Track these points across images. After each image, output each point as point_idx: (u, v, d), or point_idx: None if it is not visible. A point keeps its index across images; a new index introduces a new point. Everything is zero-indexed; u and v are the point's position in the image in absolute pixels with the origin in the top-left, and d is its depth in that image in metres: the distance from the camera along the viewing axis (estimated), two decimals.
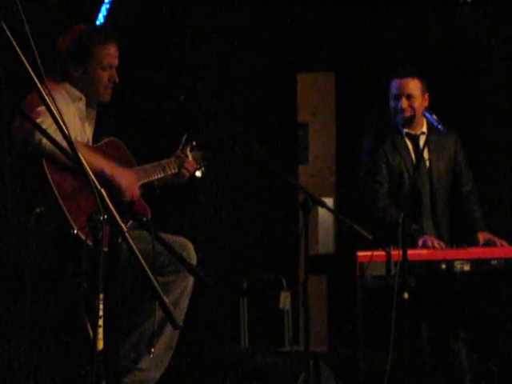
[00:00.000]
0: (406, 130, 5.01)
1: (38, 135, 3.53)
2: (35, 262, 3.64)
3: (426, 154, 5.01)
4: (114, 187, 3.80)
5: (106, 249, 2.70)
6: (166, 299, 2.48)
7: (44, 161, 3.63)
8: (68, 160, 2.87)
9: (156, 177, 4.23)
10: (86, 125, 4.06)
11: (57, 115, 2.54)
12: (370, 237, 4.19)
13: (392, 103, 4.99)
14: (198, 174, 4.49)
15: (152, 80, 5.87)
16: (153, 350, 3.84)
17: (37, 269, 3.64)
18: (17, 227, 3.75)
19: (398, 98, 4.96)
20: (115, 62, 4.06)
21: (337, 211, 5.49)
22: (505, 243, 4.82)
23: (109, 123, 4.42)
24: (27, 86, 2.53)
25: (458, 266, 4.58)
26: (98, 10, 5.37)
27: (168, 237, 3.82)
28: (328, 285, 6.78)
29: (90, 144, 4.05)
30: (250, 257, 6.57)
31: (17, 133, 3.68)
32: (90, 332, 2.68)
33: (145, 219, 2.85)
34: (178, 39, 6.18)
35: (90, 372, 2.62)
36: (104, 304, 2.70)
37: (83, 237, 3.48)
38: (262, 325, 6.44)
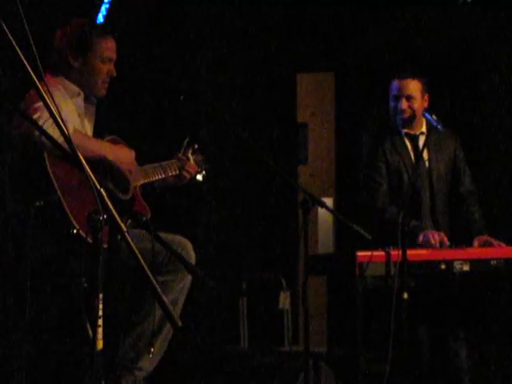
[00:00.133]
0: (405, 131, 5.01)
1: (37, 131, 3.54)
2: (34, 258, 3.64)
3: (425, 154, 5.01)
4: (116, 169, 3.84)
5: (105, 245, 2.70)
6: (165, 299, 2.48)
7: (45, 154, 3.63)
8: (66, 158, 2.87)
9: (156, 177, 4.23)
10: (86, 121, 4.06)
11: (55, 112, 2.54)
12: (370, 237, 4.19)
13: (392, 104, 4.99)
14: (199, 177, 4.49)
15: (151, 80, 5.87)
16: (152, 349, 3.85)
17: (36, 266, 3.64)
18: (17, 220, 3.75)
19: (397, 98, 4.96)
20: (114, 56, 4.08)
21: (336, 211, 5.50)
22: (502, 244, 4.82)
23: (110, 122, 4.42)
24: (26, 85, 2.54)
25: (457, 266, 4.58)
26: (98, 10, 5.38)
27: (167, 236, 3.82)
28: (327, 285, 6.78)
29: None
30: (249, 257, 6.57)
31: (17, 131, 3.69)
32: (90, 332, 2.68)
33: (144, 219, 2.85)
34: (177, 39, 6.18)
35: (89, 371, 2.62)
36: (103, 303, 2.70)
37: (83, 234, 3.49)
38: (262, 325, 6.44)
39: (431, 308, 4.90)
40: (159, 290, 2.48)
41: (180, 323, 2.46)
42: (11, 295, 3.88)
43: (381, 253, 4.46)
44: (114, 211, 2.54)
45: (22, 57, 2.45)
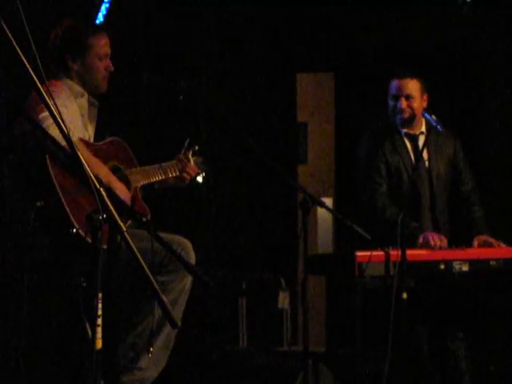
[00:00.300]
0: (404, 130, 5.01)
1: (39, 132, 3.54)
2: (34, 258, 3.64)
3: (425, 154, 5.01)
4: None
5: (105, 246, 2.70)
6: (164, 298, 2.48)
7: (47, 156, 3.64)
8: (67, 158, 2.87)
9: (156, 178, 4.23)
10: (88, 122, 4.07)
11: (56, 114, 2.54)
12: (369, 237, 4.20)
13: (391, 103, 4.99)
14: (199, 179, 4.49)
15: (151, 80, 5.87)
16: (151, 349, 3.85)
17: (36, 266, 3.65)
18: (17, 221, 3.75)
19: (396, 98, 4.96)
20: (109, 50, 4.13)
21: (336, 211, 5.50)
22: (502, 244, 4.82)
23: (110, 122, 4.42)
24: (28, 85, 2.54)
25: (456, 266, 4.58)
26: (98, 10, 5.38)
27: (167, 236, 3.82)
28: (327, 285, 6.78)
29: (92, 142, 4.06)
30: (248, 256, 6.57)
31: (19, 131, 3.70)
32: (89, 331, 2.68)
33: (144, 219, 2.85)
34: (177, 39, 6.18)
35: (88, 371, 2.62)
36: (103, 303, 2.70)
37: (83, 234, 3.49)
38: (261, 324, 6.44)
39: (430, 308, 4.90)
40: (159, 289, 2.49)
41: (179, 323, 2.47)
42: (11, 295, 3.89)
43: (380, 253, 4.46)
44: (113, 211, 2.54)
45: (23, 57, 2.45)
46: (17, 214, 3.77)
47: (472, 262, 4.61)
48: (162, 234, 3.42)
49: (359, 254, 4.43)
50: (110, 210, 2.54)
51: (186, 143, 4.43)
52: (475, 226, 5.02)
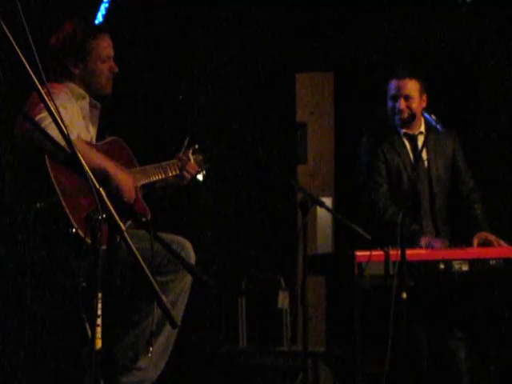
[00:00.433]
0: (404, 130, 5.01)
1: (39, 132, 3.54)
2: (34, 259, 3.64)
3: (424, 154, 5.01)
4: (113, 187, 3.80)
5: (104, 247, 2.70)
6: (164, 299, 2.48)
7: (46, 157, 3.64)
8: (66, 159, 2.87)
9: (156, 178, 4.23)
10: (90, 124, 4.06)
11: (56, 115, 2.55)
12: (369, 236, 4.20)
13: (390, 104, 5.00)
14: (200, 177, 4.49)
15: (150, 80, 5.87)
16: (151, 349, 3.85)
17: (35, 266, 3.65)
18: (16, 222, 3.75)
19: (395, 98, 4.96)
20: (112, 52, 4.08)
21: (335, 211, 5.50)
22: (503, 242, 4.82)
23: (110, 122, 4.42)
24: (28, 86, 2.54)
25: (456, 266, 4.58)
26: (97, 10, 5.38)
27: (167, 236, 3.82)
28: (326, 284, 6.78)
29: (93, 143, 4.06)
30: (248, 256, 6.57)
31: (19, 131, 3.70)
32: (89, 331, 2.68)
33: (144, 219, 2.85)
34: (177, 39, 6.18)
35: (88, 371, 2.62)
36: (102, 303, 2.70)
37: (82, 234, 3.49)
38: (261, 324, 6.44)
39: (430, 308, 4.90)
40: (158, 290, 2.49)
41: (179, 323, 2.47)
42: (11, 295, 3.89)
43: (380, 252, 4.46)
44: (113, 211, 2.54)
45: (23, 58, 2.45)
46: (17, 215, 3.76)
47: (472, 262, 4.61)
48: (162, 234, 3.43)
49: (359, 253, 4.43)
50: (110, 210, 2.54)
51: (186, 142, 4.43)
52: (475, 222, 5.02)
